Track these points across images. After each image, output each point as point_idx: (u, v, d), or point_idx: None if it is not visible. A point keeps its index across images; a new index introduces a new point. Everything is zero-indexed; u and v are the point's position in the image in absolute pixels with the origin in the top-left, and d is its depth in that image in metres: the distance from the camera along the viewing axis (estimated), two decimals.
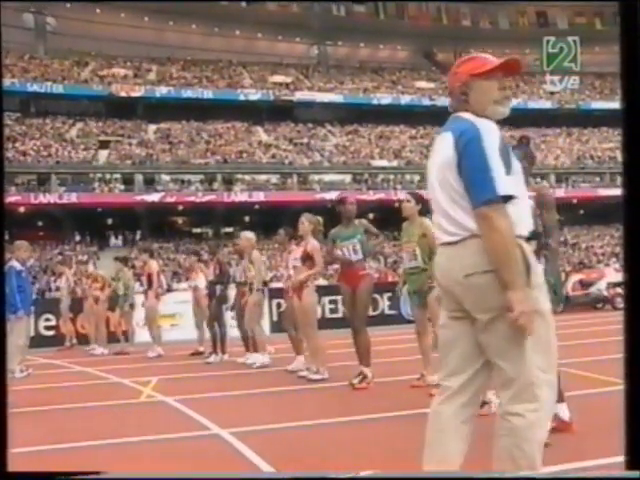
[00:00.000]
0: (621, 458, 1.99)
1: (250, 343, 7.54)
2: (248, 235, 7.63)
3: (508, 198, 1.93)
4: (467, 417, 2.07)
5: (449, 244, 2.05)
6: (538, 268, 2.06)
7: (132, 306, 10.29)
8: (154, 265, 9.64)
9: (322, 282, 13.58)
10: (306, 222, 6.14)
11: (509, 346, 1.96)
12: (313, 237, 6.11)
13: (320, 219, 6.35)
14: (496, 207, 1.91)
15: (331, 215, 6.87)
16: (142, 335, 10.29)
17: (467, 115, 2.04)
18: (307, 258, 6.08)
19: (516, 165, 2.04)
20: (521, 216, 2.01)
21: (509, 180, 1.94)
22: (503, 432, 1.98)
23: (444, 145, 2.03)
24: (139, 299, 10.28)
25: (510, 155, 2.01)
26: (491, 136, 1.96)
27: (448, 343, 2.13)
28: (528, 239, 2.07)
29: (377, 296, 12.06)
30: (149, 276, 9.39)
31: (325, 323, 8.84)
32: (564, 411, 3.50)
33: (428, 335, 5.18)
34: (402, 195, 5.77)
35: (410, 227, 5.27)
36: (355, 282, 5.58)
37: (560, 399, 3.52)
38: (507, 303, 1.88)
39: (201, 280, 9.12)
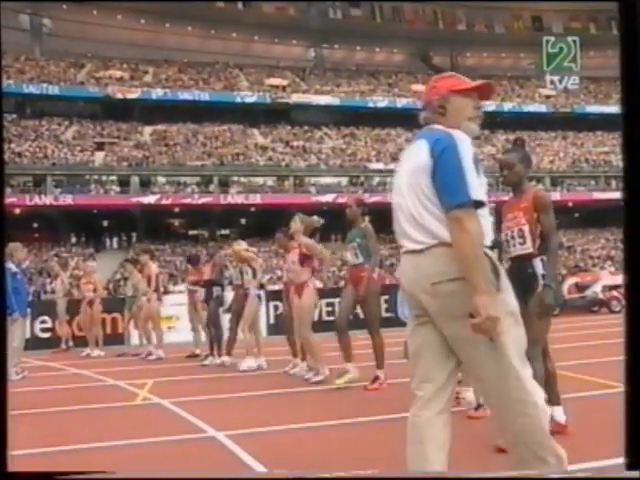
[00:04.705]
0: (620, 460, 1.99)
1: (230, 345, 7.68)
2: (235, 247, 7.72)
3: (479, 205, 2.00)
4: (444, 423, 2.07)
5: (415, 252, 2.07)
6: (503, 271, 2.10)
7: (140, 308, 10.23)
8: (153, 267, 9.57)
9: (319, 285, 13.58)
10: (298, 220, 6.16)
11: (484, 354, 1.98)
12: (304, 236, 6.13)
13: (317, 219, 6.31)
14: (467, 210, 1.96)
15: (327, 218, 6.85)
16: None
17: (442, 127, 2.11)
18: (305, 259, 6.10)
19: (483, 180, 2.10)
20: (485, 226, 2.06)
21: (480, 189, 2.01)
22: (517, 440, 2.00)
23: (418, 152, 2.08)
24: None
25: (480, 170, 2.07)
26: (465, 146, 2.03)
27: (418, 351, 2.14)
28: (491, 248, 2.12)
29: None
30: (148, 278, 9.33)
31: (322, 326, 8.85)
32: (560, 414, 3.50)
33: None
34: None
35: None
36: (356, 284, 5.59)
37: (556, 402, 3.53)
38: (473, 309, 1.90)
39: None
